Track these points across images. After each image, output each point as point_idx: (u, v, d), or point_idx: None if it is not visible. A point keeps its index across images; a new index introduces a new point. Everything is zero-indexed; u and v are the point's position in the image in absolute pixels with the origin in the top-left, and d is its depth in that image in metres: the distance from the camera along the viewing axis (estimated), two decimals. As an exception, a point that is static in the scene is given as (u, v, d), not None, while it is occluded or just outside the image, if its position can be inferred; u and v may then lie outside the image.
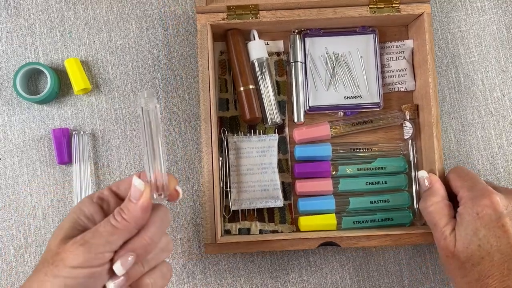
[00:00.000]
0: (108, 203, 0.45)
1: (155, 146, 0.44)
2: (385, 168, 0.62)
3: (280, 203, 0.62)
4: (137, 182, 0.42)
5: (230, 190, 0.62)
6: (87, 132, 0.63)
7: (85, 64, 0.65)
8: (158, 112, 0.44)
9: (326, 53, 0.64)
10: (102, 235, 0.40)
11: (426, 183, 0.56)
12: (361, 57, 0.64)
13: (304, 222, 0.61)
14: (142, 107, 0.43)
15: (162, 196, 0.43)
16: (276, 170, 0.62)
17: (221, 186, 0.61)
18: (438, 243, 0.53)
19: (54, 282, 0.39)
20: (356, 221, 0.61)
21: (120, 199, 0.45)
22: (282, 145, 0.63)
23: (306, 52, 0.64)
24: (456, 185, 0.54)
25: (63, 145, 0.62)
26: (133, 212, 0.41)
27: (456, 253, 0.50)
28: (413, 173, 0.63)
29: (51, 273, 0.39)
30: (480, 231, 0.49)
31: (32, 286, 0.40)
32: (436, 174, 0.58)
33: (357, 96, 0.64)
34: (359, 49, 0.64)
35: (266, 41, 0.64)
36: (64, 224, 0.43)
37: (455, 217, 0.53)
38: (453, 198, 0.55)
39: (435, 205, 0.54)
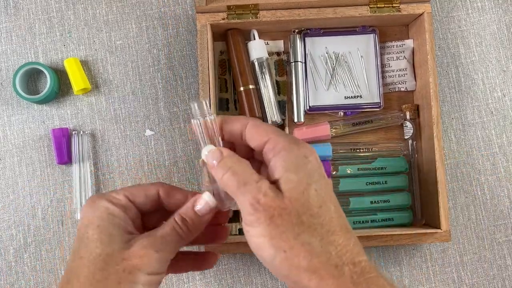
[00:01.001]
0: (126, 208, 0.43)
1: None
2: (385, 168, 0.62)
3: (280, 203, 0.61)
4: (209, 199, 0.42)
5: (230, 190, 0.61)
6: (86, 132, 0.63)
7: (85, 64, 0.65)
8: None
9: (326, 53, 0.64)
10: (171, 243, 0.41)
11: (214, 161, 0.41)
12: (361, 57, 0.64)
13: (304, 222, 0.60)
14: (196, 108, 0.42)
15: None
16: (276, 170, 0.62)
17: (221, 186, 0.61)
18: (254, 207, 0.37)
19: None
20: (356, 221, 0.61)
21: (134, 204, 0.44)
22: (282, 145, 0.63)
23: (306, 52, 0.64)
24: (259, 139, 0.40)
25: (63, 145, 0.62)
26: (198, 224, 0.42)
27: (287, 206, 0.37)
28: (413, 173, 0.62)
29: (128, 280, 0.39)
30: (313, 175, 0.38)
31: None
32: (436, 175, 0.58)
33: (357, 96, 0.63)
34: (359, 49, 0.64)
35: (266, 41, 0.64)
36: (108, 229, 0.41)
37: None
38: None
39: (233, 166, 0.40)
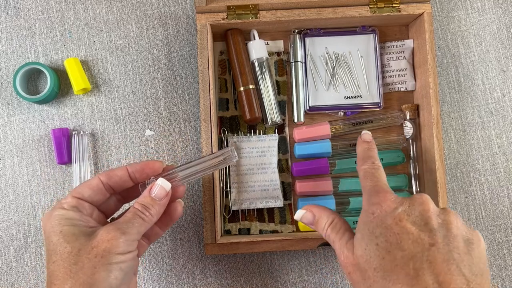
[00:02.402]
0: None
1: (200, 173, 0.51)
2: (382, 159, 0.62)
3: (280, 203, 0.62)
4: (166, 185, 0.49)
5: (230, 190, 0.62)
6: (86, 132, 0.63)
7: (85, 64, 0.65)
8: (229, 164, 0.53)
9: (326, 53, 0.64)
10: (135, 225, 0.46)
11: (309, 217, 0.50)
12: (361, 57, 0.64)
13: (304, 222, 0.61)
14: (230, 155, 0.52)
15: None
16: (276, 170, 0.62)
17: (221, 186, 0.61)
18: (340, 263, 0.46)
19: (111, 269, 0.43)
20: (356, 221, 0.61)
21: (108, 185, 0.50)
22: (282, 145, 0.63)
23: (306, 52, 0.64)
24: (362, 187, 0.49)
25: (63, 145, 0.62)
26: (157, 209, 0.48)
27: (356, 261, 0.43)
28: (413, 173, 0.63)
29: (102, 263, 0.43)
30: (376, 230, 0.43)
31: (81, 280, 0.43)
32: (436, 175, 0.58)
33: (357, 96, 0.64)
34: (359, 49, 0.64)
35: (266, 41, 0.64)
36: (67, 225, 0.46)
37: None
38: None
39: (327, 229, 0.48)
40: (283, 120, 0.63)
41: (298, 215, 0.51)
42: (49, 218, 0.46)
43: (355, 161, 0.61)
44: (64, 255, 0.44)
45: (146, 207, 0.48)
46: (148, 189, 0.49)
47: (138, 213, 0.47)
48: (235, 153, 0.52)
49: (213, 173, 0.58)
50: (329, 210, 0.50)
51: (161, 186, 0.49)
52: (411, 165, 0.63)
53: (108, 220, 0.52)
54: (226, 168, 0.62)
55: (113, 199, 0.52)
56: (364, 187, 0.48)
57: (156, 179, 0.49)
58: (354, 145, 0.62)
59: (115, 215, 0.53)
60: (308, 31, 0.64)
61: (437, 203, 0.58)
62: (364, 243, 0.43)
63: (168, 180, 0.50)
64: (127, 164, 0.51)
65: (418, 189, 0.62)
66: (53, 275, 0.44)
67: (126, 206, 0.55)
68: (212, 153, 0.52)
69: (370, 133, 0.56)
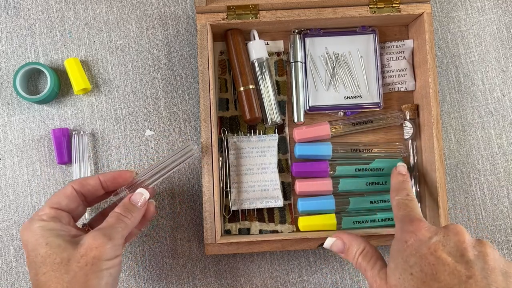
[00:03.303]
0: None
1: (164, 172, 0.55)
2: (383, 169, 0.62)
3: (280, 203, 0.62)
4: (145, 193, 0.52)
5: (230, 190, 0.62)
6: (87, 132, 0.63)
7: (85, 64, 0.65)
8: (191, 158, 0.56)
9: (326, 53, 0.64)
10: (118, 230, 0.48)
11: (339, 245, 0.51)
12: (361, 57, 0.64)
13: (304, 222, 0.61)
14: (191, 149, 0.56)
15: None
16: (276, 170, 0.62)
17: (221, 186, 0.61)
18: None
19: (102, 275, 0.45)
20: (356, 221, 0.61)
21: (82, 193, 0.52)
22: (282, 145, 0.63)
23: (306, 52, 0.64)
24: (395, 217, 0.50)
25: (63, 145, 0.62)
26: (138, 213, 0.51)
27: None
28: (413, 173, 0.63)
29: (93, 270, 0.44)
30: (410, 259, 0.42)
31: None
32: (436, 175, 0.58)
33: (357, 96, 0.64)
34: (359, 49, 0.64)
35: (266, 41, 0.64)
36: (51, 237, 0.47)
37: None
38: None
39: (358, 257, 0.49)
40: (283, 120, 0.63)
41: (328, 243, 0.51)
42: (29, 230, 0.47)
43: (356, 169, 0.62)
44: (54, 266, 0.44)
45: (129, 211, 0.50)
46: (127, 197, 0.51)
47: (121, 217, 0.49)
48: (195, 146, 0.56)
49: (213, 173, 0.58)
50: (360, 238, 0.50)
51: (140, 193, 0.51)
52: (411, 166, 0.63)
53: (78, 225, 0.53)
54: (226, 168, 0.62)
55: (81, 205, 0.53)
56: (397, 216, 0.48)
57: (128, 189, 0.53)
58: (355, 150, 0.62)
59: (84, 220, 0.56)
60: (308, 31, 0.64)
61: (437, 203, 0.58)
62: (398, 272, 0.43)
63: (136, 187, 0.53)
64: (99, 174, 0.53)
65: (418, 189, 0.62)
66: (45, 285, 0.44)
67: (88, 209, 0.58)
68: (173, 151, 0.58)
69: (405, 165, 0.57)
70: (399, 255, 0.43)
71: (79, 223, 0.54)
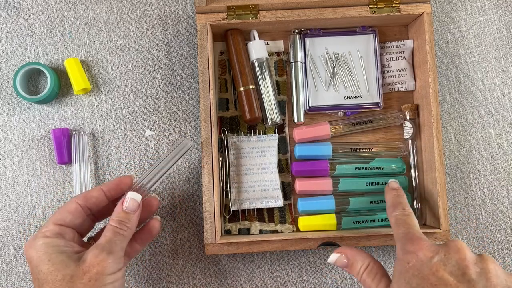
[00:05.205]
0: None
1: (164, 171, 0.54)
2: (382, 168, 0.62)
3: (280, 203, 0.62)
4: (136, 197, 0.51)
5: (230, 190, 0.62)
6: (87, 132, 0.63)
7: (85, 64, 0.65)
8: (188, 152, 0.57)
9: (326, 53, 0.64)
10: (117, 243, 0.48)
11: (344, 259, 0.49)
12: (361, 57, 0.64)
13: (304, 222, 0.61)
14: (186, 143, 0.56)
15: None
16: (276, 170, 0.62)
17: (221, 186, 0.61)
18: None
19: None
20: (356, 221, 0.61)
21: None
22: (282, 145, 0.63)
23: (306, 52, 0.64)
24: (394, 235, 0.49)
25: (63, 145, 0.62)
26: (133, 221, 0.50)
27: None
28: (413, 173, 0.63)
29: (96, 286, 0.45)
30: (413, 280, 0.42)
31: None
32: (436, 175, 0.58)
33: (357, 96, 0.64)
34: (359, 49, 0.64)
35: (266, 41, 0.64)
36: (53, 253, 0.47)
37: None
38: None
39: (363, 273, 0.48)
40: (283, 120, 0.63)
41: (332, 258, 0.50)
42: (33, 247, 0.47)
43: (356, 168, 0.62)
44: (57, 283, 0.44)
45: (123, 222, 0.49)
46: (119, 204, 0.50)
47: (117, 230, 0.49)
48: (190, 141, 0.56)
49: (213, 173, 0.58)
50: (364, 253, 0.49)
51: (132, 198, 0.50)
52: (411, 165, 0.63)
53: (84, 239, 0.53)
54: (226, 168, 0.62)
55: (87, 219, 0.53)
56: (397, 234, 0.47)
57: (125, 195, 0.51)
58: (355, 150, 0.62)
59: (91, 234, 0.55)
60: (308, 31, 0.64)
61: (437, 203, 0.58)
62: None
63: (139, 190, 0.52)
64: (101, 184, 0.53)
65: (418, 190, 0.62)
66: None
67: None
68: (169, 150, 0.57)
69: (397, 181, 0.57)
70: (402, 276, 0.43)
71: (87, 237, 0.54)
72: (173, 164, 0.55)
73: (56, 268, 0.45)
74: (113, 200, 0.53)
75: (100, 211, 0.54)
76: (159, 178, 0.54)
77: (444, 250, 0.43)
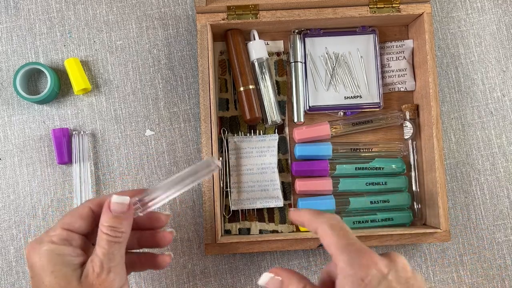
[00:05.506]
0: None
1: (179, 187, 0.47)
2: (382, 168, 0.62)
3: (280, 203, 0.62)
4: (119, 199, 0.45)
5: (230, 190, 0.62)
6: (87, 132, 0.63)
7: (85, 64, 0.65)
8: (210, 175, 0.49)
9: (326, 53, 0.64)
10: (115, 254, 0.44)
11: (277, 283, 0.43)
12: (361, 57, 0.64)
13: (304, 222, 0.61)
14: (213, 164, 0.46)
15: (139, 211, 0.47)
16: (276, 170, 0.62)
17: (221, 186, 0.61)
18: None
19: None
20: (356, 221, 0.61)
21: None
22: (282, 145, 0.63)
23: (306, 52, 0.64)
24: (328, 243, 0.42)
25: (63, 145, 0.62)
26: (125, 225, 0.45)
27: None
28: (413, 173, 0.63)
29: None
30: None
31: None
32: (436, 175, 0.58)
33: (357, 96, 0.64)
34: (359, 49, 0.64)
35: (266, 41, 0.64)
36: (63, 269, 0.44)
37: None
38: None
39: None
40: (283, 120, 0.63)
41: (264, 279, 0.44)
42: (36, 251, 0.44)
43: (356, 168, 0.62)
44: None
45: (115, 228, 0.44)
46: (106, 207, 0.45)
47: (111, 239, 0.44)
48: (216, 161, 0.46)
49: (213, 173, 0.58)
50: (299, 275, 0.43)
51: (115, 203, 0.45)
52: (411, 166, 0.63)
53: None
54: (226, 168, 0.62)
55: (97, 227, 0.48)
56: (336, 243, 0.41)
57: (140, 204, 0.46)
58: (355, 150, 0.62)
59: None
60: (308, 31, 0.64)
61: (437, 203, 0.58)
62: None
63: (148, 203, 0.47)
64: (116, 192, 0.48)
65: (418, 190, 0.62)
66: None
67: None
68: (188, 168, 0.47)
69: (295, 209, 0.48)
70: None
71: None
72: (190, 184, 0.46)
73: (57, 283, 0.42)
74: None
75: None
76: (172, 194, 0.47)
77: (394, 266, 0.40)
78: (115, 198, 0.45)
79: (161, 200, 0.47)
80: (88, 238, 0.48)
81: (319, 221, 0.43)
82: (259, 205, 0.62)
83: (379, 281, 0.39)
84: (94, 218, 0.46)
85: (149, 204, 0.47)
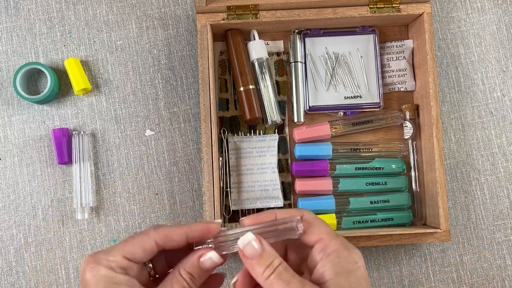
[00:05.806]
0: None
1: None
2: (382, 168, 0.62)
3: (280, 203, 0.62)
4: (216, 259, 0.43)
5: (230, 190, 0.62)
6: (87, 132, 0.63)
7: (85, 64, 0.65)
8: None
9: (326, 53, 0.64)
10: None
11: (256, 245, 0.41)
12: (361, 57, 0.64)
13: (304, 222, 0.61)
14: (294, 227, 0.42)
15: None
16: (276, 170, 0.62)
17: (221, 186, 0.61)
18: None
19: None
20: (356, 221, 0.61)
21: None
22: (282, 145, 0.63)
23: (306, 52, 0.64)
24: (320, 229, 0.41)
25: (63, 145, 0.62)
26: (202, 277, 0.44)
27: None
28: (413, 173, 0.63)
29: None
30: (361, 282, 0.40)
31: None
32: (436, 175, 0.58)
33: (357, 96, 0.64)
34: (359, 49, 0.64)
35: (266, 41, 0.64)
36: None
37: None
38: None
39: (278, 269, 0.40)
40: (283, 120, 0.63)
41: (244, 240, 0.42)
42: (94, 272, 0.42)
43: (356, 168, 0.62)
44: None
45: (194, 279, 0.43)
46: (197, 257, 0.43)
47: (184, 283, 0.43)
48: (300, 225, 0.41)
49: (213, 173, 0.58)
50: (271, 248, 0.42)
51: (211, 258, 0.43)
52: (411, 166, 0.63)
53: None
54: (226, 168, 0.62)
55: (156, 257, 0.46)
56: (325, 229, 0.41)
57: (214, 245, 0.44)
58: (355, 150, 0.62)
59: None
60: (308, 31, 0.64)
61: (437, 203, 0.58)
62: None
63: (221, 243, 0.44)
64: (185, 226, 0.44)
65: (418, 189, 0.62)
66: None
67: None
68: (272, 221, 0.43)
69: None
70: (352, 274, 0.39)
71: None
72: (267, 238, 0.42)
73: None
74: (194, 246, 0.46)
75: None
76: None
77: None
78: (212, 254, 0.43)
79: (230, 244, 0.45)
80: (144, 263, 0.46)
81: (297, 213, 0.42)
82: (259, 205, 0.62)
83: (364, 268, 0.41)
84: (156, 252, 0.44)
85: (221, 244, 0.45)
